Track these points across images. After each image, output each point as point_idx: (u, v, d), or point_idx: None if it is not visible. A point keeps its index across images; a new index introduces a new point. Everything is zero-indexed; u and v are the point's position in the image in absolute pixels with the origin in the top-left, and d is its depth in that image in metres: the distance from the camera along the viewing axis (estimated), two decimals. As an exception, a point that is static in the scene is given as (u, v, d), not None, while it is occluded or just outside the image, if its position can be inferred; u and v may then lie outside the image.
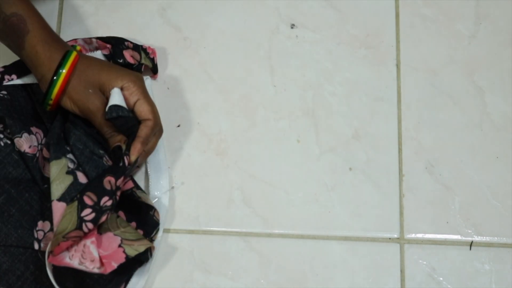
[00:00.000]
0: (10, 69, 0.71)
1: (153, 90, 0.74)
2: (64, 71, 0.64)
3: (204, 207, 0.70)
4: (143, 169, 0.71)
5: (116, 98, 0.64)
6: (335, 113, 0.74)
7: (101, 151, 0.66)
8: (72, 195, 0.62)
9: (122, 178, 0.63)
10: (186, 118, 0.74)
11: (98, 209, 0.61)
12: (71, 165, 0.64)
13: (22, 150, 0.67)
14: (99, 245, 0.61)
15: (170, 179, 0.71)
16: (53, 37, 0.66)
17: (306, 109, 0.74)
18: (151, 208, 0.66)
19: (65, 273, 0.62)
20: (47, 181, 0.65)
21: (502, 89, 0.74)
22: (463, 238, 0.69)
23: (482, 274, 0.67)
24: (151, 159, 0.71)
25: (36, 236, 0.66)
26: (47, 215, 0.66)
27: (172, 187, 0.71)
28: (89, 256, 0.60)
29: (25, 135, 0.67)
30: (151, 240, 0.66)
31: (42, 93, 0.66)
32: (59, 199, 0.62)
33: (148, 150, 0.67)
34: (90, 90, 0.65)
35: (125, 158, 0.63)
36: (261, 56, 0.76)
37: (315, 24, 0.77)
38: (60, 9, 0.78)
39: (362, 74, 0.75)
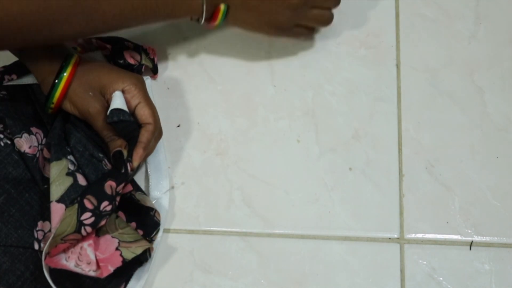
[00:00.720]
0: (10, 69, 0.71)
1: (153, 90, 0.74)
2: (65, 74, 0.64)
3: (204, 207, 0.70)
4: (143, 169, 0.71)
5: (117, 101, 0.64)
6: (335, 113, 0.74)
7: (101, 155, 0.66)
8: (72, 196, 0.62)
9: (122, 184, 0.63)
10: (186, 118, 0.74)
11: (97, 214, 0.61)
12: (72, 167, 0.64)
13: (22, 150, 0.67)
14: (96, 248, 0.61)
15: (170, 179, 0.71)
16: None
17: (306, 109, 0.74)
18: (151, 209, 0.66)
19: (63, 274, 0.62)
20: (47, 181, 0.65)
21: (502, 89, 0.74)
22: (463, 238, 0.69)
23: (482, 274, 0.67)
24: (151, 159, 0.71)
25: (36, 236, 0.66)
26: (47, 215, 0.66)
27: (172, 187, 0.71)
28: (86, 258, 0.60)
29: (25, 135, 0.67)
30: (151, 241, 0.66)
31: (43, 94, 0.66)
32: (58, 200, 0.62)
33: (147, 153, 0.67)
34: (90, 93, 0.65)
35: (128, 164, 0.63)
36: (261, 56, 0.76)
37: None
38: (60, 9, 0.78)
39: (362, 74, 0.75)
